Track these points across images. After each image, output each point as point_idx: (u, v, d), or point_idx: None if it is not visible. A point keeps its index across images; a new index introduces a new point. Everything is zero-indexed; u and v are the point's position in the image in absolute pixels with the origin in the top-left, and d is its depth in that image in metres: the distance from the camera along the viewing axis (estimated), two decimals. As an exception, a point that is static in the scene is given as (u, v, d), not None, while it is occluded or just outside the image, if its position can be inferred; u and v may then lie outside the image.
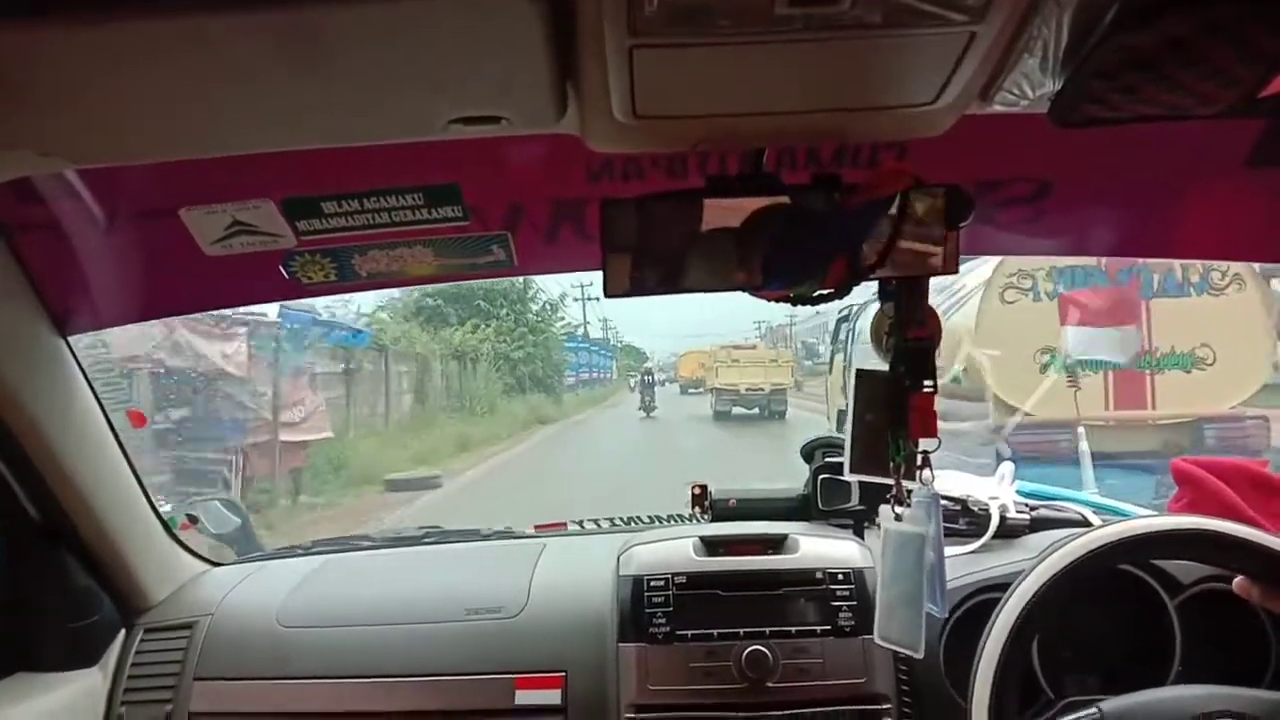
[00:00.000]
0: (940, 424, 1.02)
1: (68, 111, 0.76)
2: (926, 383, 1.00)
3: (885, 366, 1.05)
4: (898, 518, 1.08)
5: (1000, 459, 4.95)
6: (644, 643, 1.40)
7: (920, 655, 1.10)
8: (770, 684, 1.36)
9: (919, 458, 1.03)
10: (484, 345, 19.24)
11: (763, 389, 21.42)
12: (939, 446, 1.04)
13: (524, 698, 1.42)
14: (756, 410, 21.50)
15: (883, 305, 1.01)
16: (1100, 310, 6.99)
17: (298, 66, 0.70)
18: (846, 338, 10.08)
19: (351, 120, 0.84)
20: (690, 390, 31.50)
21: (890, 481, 1.06)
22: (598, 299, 29.56)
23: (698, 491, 1.74)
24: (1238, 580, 1.14)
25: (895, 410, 1.02)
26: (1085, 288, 7.16)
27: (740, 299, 0.93)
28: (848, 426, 1.10)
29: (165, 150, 0.91)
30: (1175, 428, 7.36)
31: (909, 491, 1.07)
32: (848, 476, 1.11)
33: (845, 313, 10.08)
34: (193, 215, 1.17)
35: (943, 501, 1.58)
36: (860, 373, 1.08)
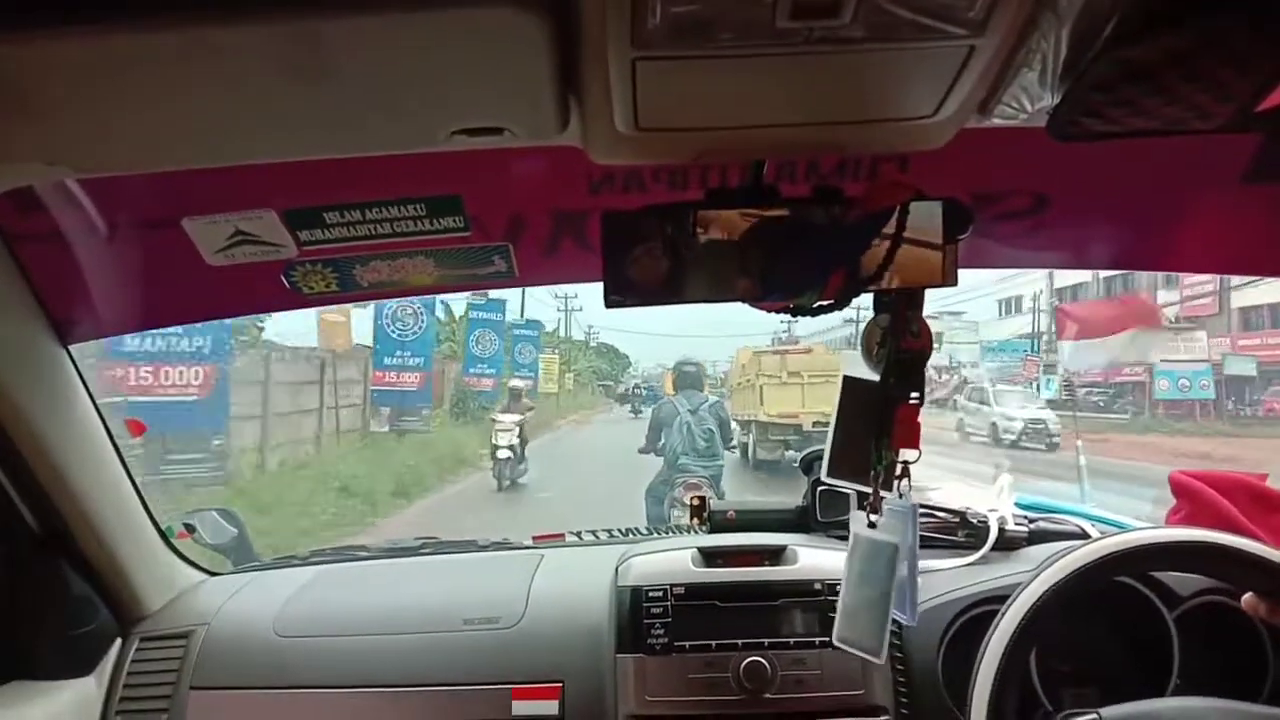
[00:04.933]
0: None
1: (74, 121, 0.76)
2: (914, 394, 1.01)
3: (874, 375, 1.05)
4: (871, 525, 1.09)
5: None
6: (642, 653, 1.40)
7: (881, 661, 1.11)
8: (768, 695, 1.36)
9: (899, 468, 1.04)
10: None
11: (837, 420, 14.14)
12: (919, 458, 1.05)
13: (521, 708, 1.41)
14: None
15: (876, 316, 1.02)
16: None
17: (302, 77, 0.71)
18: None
19: (355, 131, 0.84)
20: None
21: (868, 489, 1.07)
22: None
23: (696, 503, 1.75)
24: (1246, 597, 1.14)
25: (880, 419, 1.03)
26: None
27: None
28: (830, 431, 1.11)
29: (170, 160, 0.91)
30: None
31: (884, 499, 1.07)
32: (825, 479, 1.12)
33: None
34: (195, 225, 1.17)
35: (941, 514, 1.61)
36: (847, 379, 1.09)
